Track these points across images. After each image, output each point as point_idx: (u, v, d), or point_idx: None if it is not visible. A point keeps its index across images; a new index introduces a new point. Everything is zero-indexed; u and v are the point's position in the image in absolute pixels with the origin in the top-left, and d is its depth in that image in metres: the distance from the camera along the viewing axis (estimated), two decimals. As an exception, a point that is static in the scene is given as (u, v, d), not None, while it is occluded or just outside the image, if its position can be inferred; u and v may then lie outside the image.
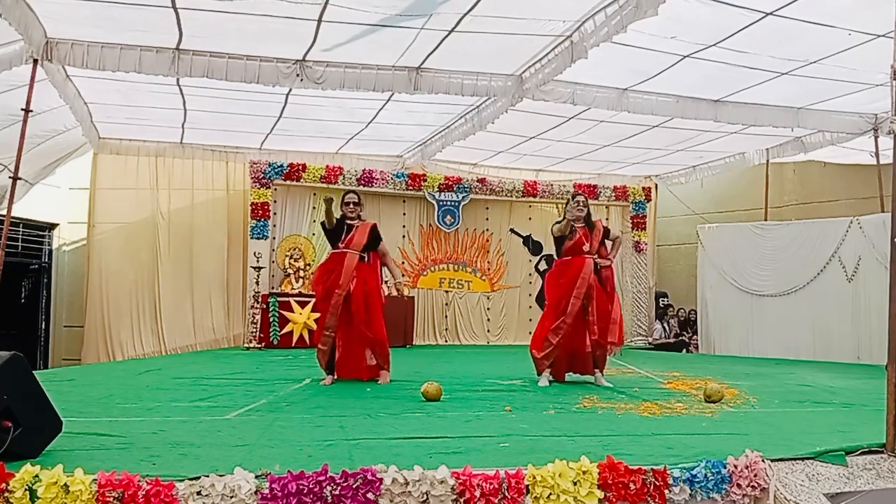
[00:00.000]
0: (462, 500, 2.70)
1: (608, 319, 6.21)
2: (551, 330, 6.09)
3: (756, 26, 6.12)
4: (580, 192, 6.67)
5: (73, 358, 10.88)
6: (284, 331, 10.34)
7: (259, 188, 11.09)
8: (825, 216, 10.47)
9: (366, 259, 6.29)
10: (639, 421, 4.36)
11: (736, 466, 2.99)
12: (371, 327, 6.17)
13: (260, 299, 10.42)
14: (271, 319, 10.37)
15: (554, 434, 3.84)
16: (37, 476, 2.57)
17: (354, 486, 2.64)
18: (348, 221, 6.31)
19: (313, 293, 10.63)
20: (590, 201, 6.43)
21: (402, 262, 12.19)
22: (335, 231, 6.30)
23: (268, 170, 11.12)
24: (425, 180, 11.89)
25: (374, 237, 6.35)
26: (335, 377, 6.21)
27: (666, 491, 2.87)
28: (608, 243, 6.39)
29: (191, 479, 2.64)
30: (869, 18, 5.82)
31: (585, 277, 6.05)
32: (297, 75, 7.07)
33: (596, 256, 6.19)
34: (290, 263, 11.30)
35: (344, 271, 6.11)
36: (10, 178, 6.36)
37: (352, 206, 6.33)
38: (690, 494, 2.92)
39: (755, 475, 2.99)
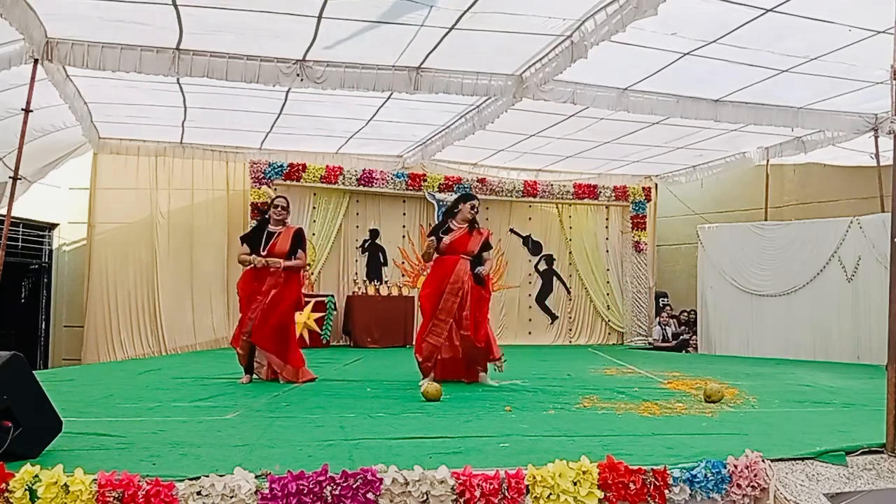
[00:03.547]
0: (462, 500, 2.70)
1: (482, 323, 6.15)
2: (429, 331, 6.02)
3: (756, 23, 6.11)
4: (475, 194, 6.66)
5: (73, 358, 10.88)
6: (284, 331, 10.33)
7: (259, 188, 11.09)
8: (825, 216, 10.46)
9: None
10: (639, 421, 4.36)
11: (736, 466, 2.99)
12: (274, 331, 6.10)
13: (260, 299, 10.40)
14: (271, 319, 10.35)
15: (554, 434, 3.84)
16: (37, 476, 2.57)
17: (354, 486, 2.64)
18: (270, 227, 6.24)
19: (322, 296, 10.69)
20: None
21: (402, 262, 12.20)
22: (254, 237, 6.24)
23: (268, 170, 11.12)
24: (425, 180, 11.89)
25: (297, 243, 6.23)
26: (252, 376, 6.22)
27: (666, 491, 2.87)
28: (485, 254, 6.29)
29: (191, 479, 2.64)
30: (869, 14, 5.82)
31: (460, 275, 6.04)
32: (298, 75, 7.08)
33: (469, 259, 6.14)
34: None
35: (268, 277, 6.05)
36: (10, 177, 6.36)
37: (280, 209, 6.25)
38: (690, 494, 2.92)
39: (755, 475, 2.99)
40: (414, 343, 6.45)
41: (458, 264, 6.08)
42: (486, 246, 6.31)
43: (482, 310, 6.21)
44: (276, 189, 11.29)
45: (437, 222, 11.95)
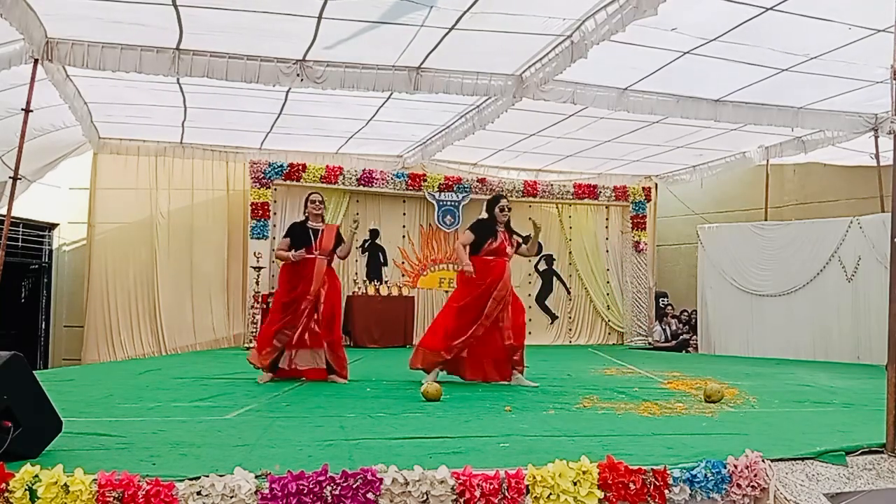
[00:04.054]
0: (462, 500, 2.69)
1: (519, 326, 6.24)
2: (457, 328, 5.99)
3: (756, 21, 6.12)
4: (505, 195, 6.73)
5: (73, 358, 10.88)
6: (284, 331, 10.33)
7: (259, 188, 11.10)
8: (825, 216, 10.46)
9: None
10: (639, 421, 4.35)
11: (736, 466, 2.99)
12: (332, 330, 6.21)
13: (260, 299, 10.42)
14: (271, 319, 10.36)
15: (554, 434, 3.84)
16: (37, 476, 2.56)
17: (354, 486, 2.64)
18: (312, 224, 6.27)
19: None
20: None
21: (402, 263, 12.20)
22: (299, 235, 6.22)
23: (268, 170, 11.13)
24: (425, 180, 11.90)
25: (340, 240, 6.34)
26: (273, 375, 6.20)
27: (666, 491, 2.87)
28: (522, 247, 6.38)
29: (191, 479, 2.64)
30: (869, 13, 5.83)
31: (506, 282, 6.10)
32: (298, 75, 7.08)
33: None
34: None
35: (315, 277, 6.11)
36: (10, 177, 6.36)
37: (318, 203, 6.29)
38: (690, 494, 2.91)
39: (755, 475, 2.99)
40: (424, 339, 6.37)
41: (504, 270, 6.12)
42: (527, 240, 6.36)
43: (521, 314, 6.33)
44: (276, 189, 11.33)
45: (445, 222, 12.02)
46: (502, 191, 12.27)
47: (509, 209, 6.28)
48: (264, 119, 9.47)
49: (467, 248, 6.13)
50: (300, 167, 11.26)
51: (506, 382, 6.10)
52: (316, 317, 6.13)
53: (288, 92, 8.09)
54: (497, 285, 6.06)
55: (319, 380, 6.18)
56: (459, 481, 2.71)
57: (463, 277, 6.18)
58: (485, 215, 6.45)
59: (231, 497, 2.57)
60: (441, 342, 6.07)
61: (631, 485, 2.82)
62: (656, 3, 5.34)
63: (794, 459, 3.23)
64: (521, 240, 6.38)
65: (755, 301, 10.33)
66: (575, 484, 2.78)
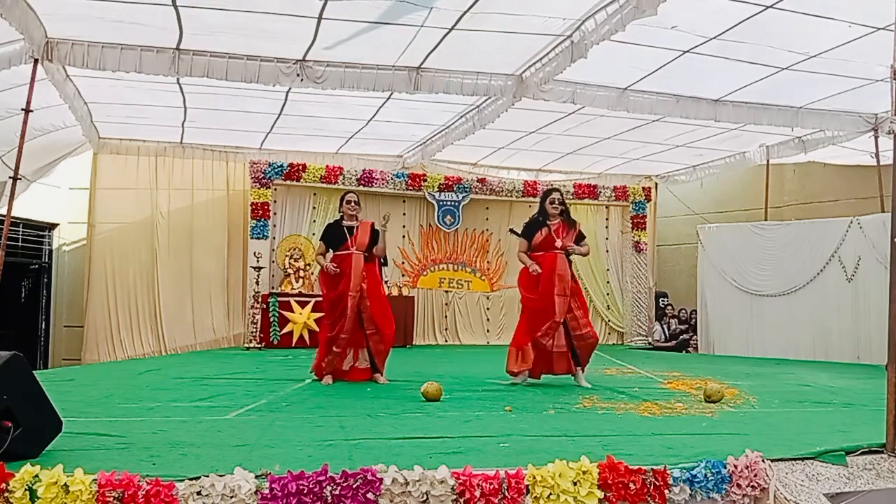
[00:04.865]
0: (462, 500, 2.70)
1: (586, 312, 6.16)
2: (542, 333, 5.93)
3: (756, 19, 6.12)
4: (558, 188, 6.63)
5: (73, 358, 10.88)
6: (284, 331, 10.35)
7: (259, 188, 11.09)
8: (825, 216, 10.46)
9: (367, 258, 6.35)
10: (639, 421, 4.35)
11: (736, 466, 2.99)
12: (385, 324, 6.23)
13: (260, 299, 10.42)
14: (271, 319, 10.37)
15: (554, 434, 3.84)
16: (37, 476, 2.57)
17: (354, 486, 2.64)
18: (347, 223, 6.33)
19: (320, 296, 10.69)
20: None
21: (402, 263, 12.19)
22: (333, 236, 6.31)
23: (268, 170, 11.13)
24: (425, 180, 11.90)
25: (375, 235, 6.37)
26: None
27: (666, 491, 2.87)
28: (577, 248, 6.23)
29: (191, 479, 2.64)
30: (869, 11, 5.83)
31: (562, 274, 5.98)
32: (298, 75, 7.08)
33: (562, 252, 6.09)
34: (290, 263, 11.30)
35: (353, 273, 6.13)
36: (10, 177, 6.36)
37: (353, 204, 6.37)
38: (690, 494, 2.92)
39: (755, 475, 2.99)
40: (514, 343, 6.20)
41: (556, 263, 5.99)
42: (580, 237, 6.25)
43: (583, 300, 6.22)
44: (276, 189, 11.33)
45: (445, 222, 12.01)
46: (502, 190, 12.29)
47: (560, 202, 6.14)
48: (264, 119, 9.47)
49: (527, 253, 6.17)
50: (300, 167, 11.26)
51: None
52: (364, 314, 6.15)
53: (288, 92, 8.09)
54: (553, 278, 5.94)
55: (364, 380, 6.20)
56: (459, 481, 2.71)
57: (524, 281, 6.20)
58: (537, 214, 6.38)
59: (231, 497, 2.57)
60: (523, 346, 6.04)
61: (631, 485, 2.82)
62: (656, 2, 5.34)
63: (794, 459, 3.23)
64: (579, 231, 6.25)
65: (755, 301, 10.33)
66: (575, 484, 2.78)
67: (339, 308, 6.13)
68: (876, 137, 9.03)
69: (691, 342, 11.69)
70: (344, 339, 6.10)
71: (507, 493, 2.72)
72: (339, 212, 6.47)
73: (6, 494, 2.55)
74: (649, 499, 2.84)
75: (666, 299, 13.31)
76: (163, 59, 6.75)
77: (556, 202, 6.15)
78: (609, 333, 13.13)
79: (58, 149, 9.61)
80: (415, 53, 6.94)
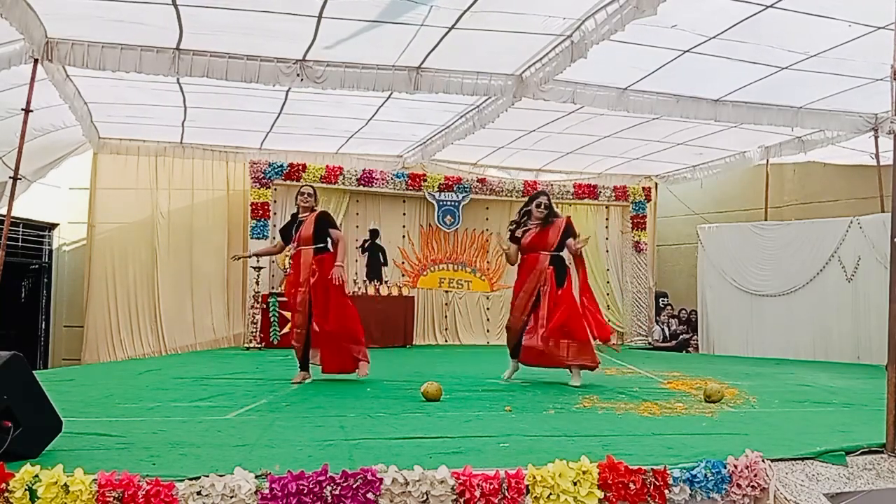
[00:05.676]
0: (462, 500, 2.69)
1: (557, 317, 6.13)
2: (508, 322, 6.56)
3: (756, 18, 6.13)
4: (543, 192, 6.72)
5: (73, 358, 10.88)
6: (284, 331, 10.32)
7: (259, 188, 11.10)
8: (825, 216, 10.46)
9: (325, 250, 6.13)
10: (639, 421, 4.35)
11: (736, 466, 2.99)
12: (329, 319, 5.97)
13: (260, 299, 10.43)
14: (271, 319, 10.37)
15: (554, 434, 3.84)
16: (37, 476, 2.56)
17: (354, 486, 2.63)
18: (300, 216, 6.21)
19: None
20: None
21: (402, 262, 12.20)
22: (287, 229, 6.29)
23: (268, 170, 11.13)
24: (425, 180, 11.90)
25: (321, 225, 6.06)
26: (309, 374, 6.27)
27: (666, 491, 2.87)
28: (569, 241, 6.24)
29: (191, 479, 2.63)
30: (869, 10, 5.83)
31: (537, 273, 6.22)
32: (298, 75, 7.09)
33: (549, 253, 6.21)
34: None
35: (302, 267, 6.09)
36: (10, 177, 6.36)
37: (306, 196, 6.19)
38: (690, 494, 2.91)
39: (755, 475, 2.99)
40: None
41: (537, 262, 6.25)
42: (569, 233, 6.29)
43: (566, 305, 6.19)
44: (276, 189, 11.33)
45: (445, 222, 12.05)
46: (502, 190, 12.29)
47: (545, 206, 6.23)
48: (264, 119, 9.47)
49: (511, 244, 6.47)
50: (300, 167, 11.26)
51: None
52: (314, 309, 6.01)
53: (288, 92, 8.09)
54: (528, 278, 6.29)
55: (342, 372, 6.19)
56: (459, 481, 2.71)
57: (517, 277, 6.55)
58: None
59: (231, 497, 2.57)
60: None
61: (631, 485, 2.82)
62: (656, 2, 5.34)
63: (794, 459, 3.23)
64: (564, 238, 6.26)
65: (755, 301, 10.33)
66: (575, 484, 2.78)
67: (296, 304, 6.16)
68: (876, 137, 9.03)
69: (691, 342, 11.69)
70: (299, 333, 6.12)
71: (507, 493, 2.71)
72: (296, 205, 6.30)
73: (6, 494, 2.55)
74: (649, 499, 2.84)
75: (666, 299, 13.31)
76: (163, 59, 6.75)
77: (543, 206, 6.23)
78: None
79: (58, 149, 9.61)
80: (415, 53, 6.94)
